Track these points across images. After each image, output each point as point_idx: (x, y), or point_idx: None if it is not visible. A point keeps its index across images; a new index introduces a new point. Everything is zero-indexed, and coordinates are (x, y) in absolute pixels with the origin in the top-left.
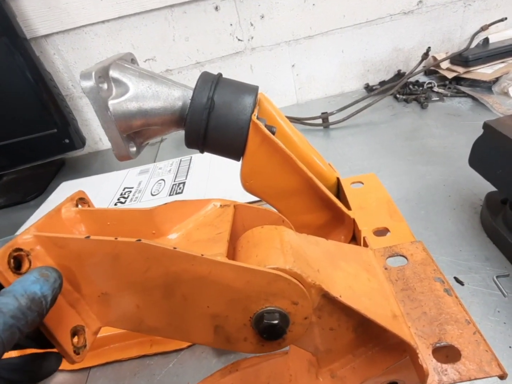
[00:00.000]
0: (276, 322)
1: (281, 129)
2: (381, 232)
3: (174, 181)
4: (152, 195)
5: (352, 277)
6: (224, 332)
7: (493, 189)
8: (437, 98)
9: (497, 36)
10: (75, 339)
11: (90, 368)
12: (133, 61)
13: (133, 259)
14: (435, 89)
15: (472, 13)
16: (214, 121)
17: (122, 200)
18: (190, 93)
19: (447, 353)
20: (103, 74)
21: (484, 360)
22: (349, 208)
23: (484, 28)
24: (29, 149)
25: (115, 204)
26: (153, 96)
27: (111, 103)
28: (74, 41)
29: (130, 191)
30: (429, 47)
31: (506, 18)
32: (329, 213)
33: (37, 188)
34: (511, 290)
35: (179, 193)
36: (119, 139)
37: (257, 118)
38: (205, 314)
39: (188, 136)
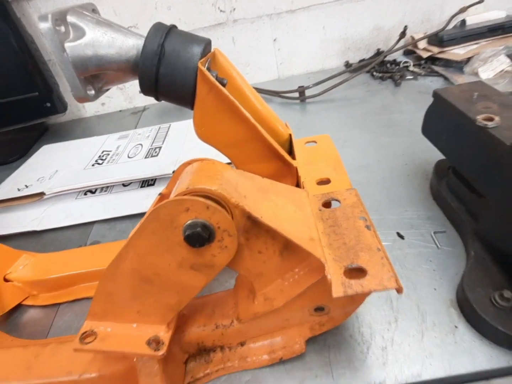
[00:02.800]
0: (198, 227)
1: (234, 83)
2: (324, 182)
3: (151, 146)
4: (129, 157)
5: (279, 207)
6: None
7: (443, 157)
8: (411, 77)
9: (474, 18)
10: None
11: (59, 304)
12: (94, 11)
13: None
14: (411, 68)
15: None
16: (164, 68)
17: (100, 161)
18: (142, 40)
19: (356, 274)
20: (60, 18)
21: (385, 277)
22: (294, 159)
23: (462, 10)
24: (10, 112)
25: (93, 165)
26: (108, 42)
27: (67, 45)
28: (57, 5)
29: (108, 154)
30: (406, 26)
31: (483, 1)
32: (277, 163)
33: (18, 151)
34: (445, 244)
35: (154, 156)
36: (76, 80)
37: (208, 69)
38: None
39: (142, 82)
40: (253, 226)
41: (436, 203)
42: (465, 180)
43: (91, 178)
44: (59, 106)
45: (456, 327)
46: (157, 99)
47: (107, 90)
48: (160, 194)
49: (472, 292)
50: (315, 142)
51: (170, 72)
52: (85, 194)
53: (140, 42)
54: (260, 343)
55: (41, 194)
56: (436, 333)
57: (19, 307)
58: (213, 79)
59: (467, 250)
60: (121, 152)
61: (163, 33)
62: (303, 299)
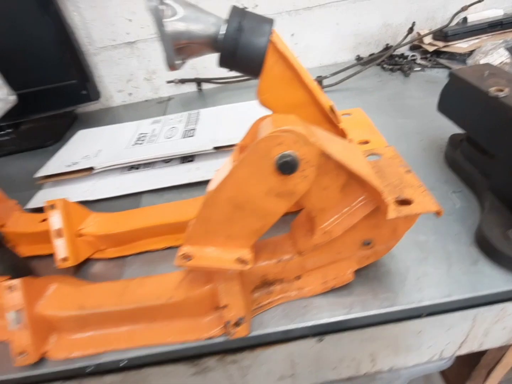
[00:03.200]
0: (289, 158)
1: (291, 56)
2: (364, 143)
3: (185, 128)
4: (166, 138)
5: (343, 149)
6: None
7: (456, 132)
8: (419, 69)
9: (475, 16)
10: None
11: (126, 256)
12: None
13: None
14: (418, 61)
15: None
16: (243, 41)
17: (139, 142)
18: (221, 20)
19: (404, 203)
20: None
21: (428, 204)
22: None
23: (464, 9)
24: (50, 98)
25: (133, 145)
26: (196, 19)
27: (166, 21)
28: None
29: (146, 136)
30: (414, 22)
31: (483, 0)
32: (327, 126)
33: (54, 136)
34: (462, 201)
35: (190, 136)
36: (171, 51)
37: None
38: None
39: (222, 55)
40: (324, 163)
41: (452, 170)
42: (478, 146)
43: (133, 155)
44: (94, 94)
45: (477, 260)
46: (231, 69)
47: (186, 61)
48: (237, 145)
49: (489, 231)
50: (349, 114)
51: (247, 45)
52: (129, 169)
53: (218, 21)
54: (314, 276)
55: (91, 169)
56: (460, 266)
57: (87, 261)
58: (282, 49)
59: (482, 204)
60: (157, 134)
61: (241, 13)
62: (355, 232)
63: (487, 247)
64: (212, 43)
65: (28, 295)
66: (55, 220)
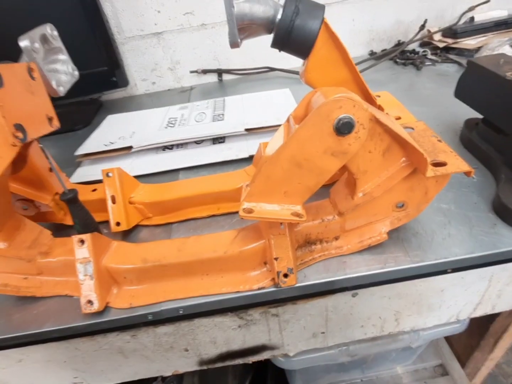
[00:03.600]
0: (346, 120)
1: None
2: (397, 118)
3: (214, 113)
4: (196, 121)
5: (386, 118)
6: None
7: (470, 117)
8: (430, 63)
9: (481, 15)
10: None
11: (171, 223)
12: None
13: None
14: (428, 56)
15: None
16: (298, 22)
17: (171, 125)
18: (278, 4)
19: (439, 165)
20: None
21: (460, 165)
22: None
23: (471, 9)
24: (81, 83)
25: (165, 128)
26: (258, 2)
27: (235, 2)
28: None
29: (176, 120)
30: (426, 19)
31: (489, 1)
32: (367, 101)
33: (83, 121)
34: (478, 176)
35: (220, 120)
36: (235, 29)
37: None
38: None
39: (277, 35)
40: (372, 128)
41: (468, 150)
42: (493, 127)
43: (167, 136)
44: (122, 81)
45: (495, 224)
46: (281, 49)
47: (245, 39)
48: (290, 115)
49: (506, 198)
50: (379, 96)
51: (302, 26)
52: (164, 150)
53: (275, 5)
54: (351, 236)
55: (129, 148)
56: (480, 228)
57: (135, 227)
58: (333, 30)
59: (497, 178)
60: (187, 118)
61: None
62: (391, 194)
63: (504, 212)
64: (269, 25)
65: (96, 249)
66: (111, 187)
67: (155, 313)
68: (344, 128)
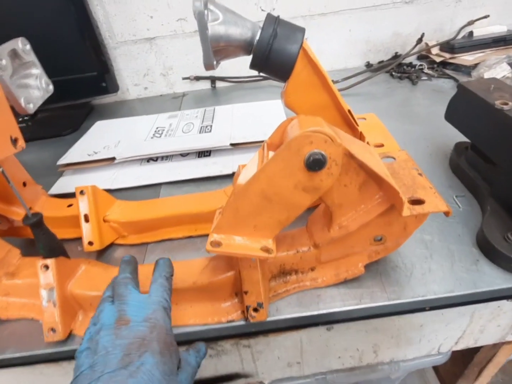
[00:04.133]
0: (317, 156)
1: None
2: (379, 146)
3: (202, 124)
4: (183, 132)
5: (364, 151)
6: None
7: (461, 140)
8: (426, 78)
9: (480, 30)
10: None
11: (147, 243)
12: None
13: None
14: (425, 70)
15: (462, 9)
16: (276, 46)
17: (157, 135)
18: (257, 26)
19: (416, 203)
20: (205, 3)
21: (439, 204)
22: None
23: (470, 23)
24: (70, 88)
25: (152, 138)
26: (235, 24)
27: (210, 25)
28: None
29: (163, 129)
30: (423, 33)
31: (489, 16)
32: (347, 128)
33: (71, 126)
34: (464, 205)
35: (207, 132)
36: (210, 52)
37: None
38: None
39: (255, 58)
40: (347, 163)
41: (456, 175)
42: (481, 154)
43: (152, 148)
44: (112, 86)
45: (477, 260)
46: (260, 71)
47: (220, 63)
48: (265, 143)
49: (490, 233)
50: (364, 118)
51: (280, 50)
52: (148, 161)
53: (254, 26)
54: (327, 268)
55: (112, 159)
56: (462, 264)
57: (110, 246)
58: (312, 55)
59: (483, 208)
60: (174, 128)
61: (276, 20)
62: (368, 228)
63: (487, 248)
64: (247, 47)
65: (61, 274)
66: (84, 205)
67: None
68: (314, 164)
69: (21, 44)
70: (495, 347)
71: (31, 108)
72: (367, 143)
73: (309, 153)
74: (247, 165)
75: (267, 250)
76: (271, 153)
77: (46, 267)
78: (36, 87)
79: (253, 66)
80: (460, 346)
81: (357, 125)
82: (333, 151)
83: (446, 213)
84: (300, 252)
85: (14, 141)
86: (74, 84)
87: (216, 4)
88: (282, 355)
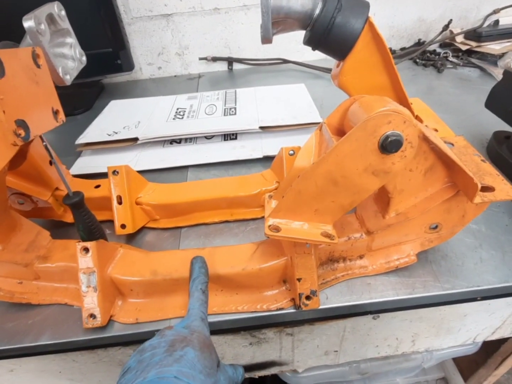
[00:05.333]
0: (395, 137)
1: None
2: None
3: (225, 106)
4: (207, 114)
5: (431, 134)
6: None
7: (498, 129)
8: (451, 66)
9: (506, 19)
10: None
11: (180, 227)
12: None
13: None
14: (450, 58)
15: None
16: (340, 19)
17: (179, 117)
18: (318, 0)
19: (486, 190)
20: None
21: (510, 192)
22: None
23: (496, 11)
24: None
25: (173, 119)
26: None
27: None
28: None
29: (184, 111)
30: (451, 19)
31: None
32: None
33: (83, 105)
34: None
35: (232, 114)
36: (269, 24)
37: None
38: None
39: (314, 32)
40: (418, 146)
41: (495, 165)
42: None
43: (176, 129)
44: (127, 64)
45: None
46: (315, 48)
47: (278, 34)
48: (322, 124)
49: None
50: (410, 103)
51: (344, 23)
52: (171, 143)
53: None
54: (377, 256)
55: (135, 139)
56: None
57: (141, 230)
58: (379, 30)
59: None
60: (196, 110)
61: None
62: (426, 215)
63: None
64: (306, 20)
65: (101, 258)
66: (118, 186)
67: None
68: (391, 146)
69: (57, 9)
70: None
71: (68, 79)
72: (426, 126)
73: (386, 134)
74: (303, 147)
75: (328, 235)
76: (330, 135)
77: (86, 250)
78: (71, 57)
79: (310, 41)
80: (495, 336)
81: (413, 109)
82: (411, 132)
83: None
84: (352, 239)
85: (55, 114)
86: (88, 60)
87: None
88: (322, 343)
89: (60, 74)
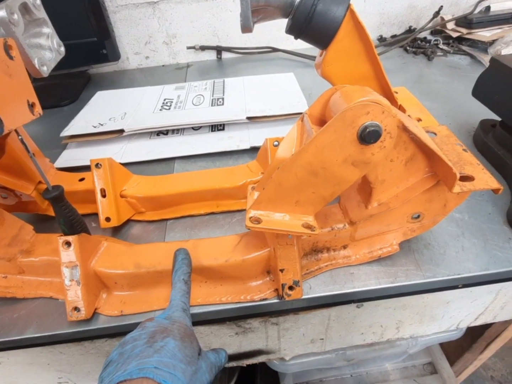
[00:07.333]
0: (373, 128)
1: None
2: (417, 120)
3: (213, 96)
4: (194, 105)
5: (412, 124)
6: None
7: (485, 117)
8: (441, 53)
9: (497, 5)
10: None
11: (166, 220)
12: None
13: None
14: (440, 45)
15: None
16: (321, 7)
17: (166, 107)
18: None
19: (465, 179)
20: None
21: (488, 181)
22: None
23: None
24: (69, 54)
25: (160, 110)
26: None
27: None
28: None
29: (171, 101)
30: (442, 6)
31: None
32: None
33: (69, 96)
34: None
35: (220, 105)
36: (249, 11)
37: None
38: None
39: (296, 20)
40: (397, 136)
41: (481, 153)
42: None
43: (162, 120)
44: (113, 54)
45: (510, 238)
46: (298, 37)
47: (258, 23)
48: (304, 115)
49: None
50: (396, 92)
51: (325, 11)
52: (158, 135)
53: None
54: (360, 246)
55: (121, 131)
56: (495, 242)
57: (127, 223)
58: (360, 18)
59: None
60: (183, 100)
61: None
62: (408, 205)
63: None
64: (287, 8)
65: (84, 252)
66: (101, 179)
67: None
68: (370, 136)
69: None
70: (506, 323)
71: (45, 70)
72: (409, 116)
73: (365, 125)
74: (285, 138)
75: (309, 227)
76: (312, 126)
77: (68, 244)
78: (48, 47)
79: (291, 30)
80: (478, 322)
81: (396, 98)
82: (389, 122)
83: (496, 190)
84: (335, 229)
85: (31, 106)
86: (72, 50)
87: None
88: (307, 332)
89: (36, 66)
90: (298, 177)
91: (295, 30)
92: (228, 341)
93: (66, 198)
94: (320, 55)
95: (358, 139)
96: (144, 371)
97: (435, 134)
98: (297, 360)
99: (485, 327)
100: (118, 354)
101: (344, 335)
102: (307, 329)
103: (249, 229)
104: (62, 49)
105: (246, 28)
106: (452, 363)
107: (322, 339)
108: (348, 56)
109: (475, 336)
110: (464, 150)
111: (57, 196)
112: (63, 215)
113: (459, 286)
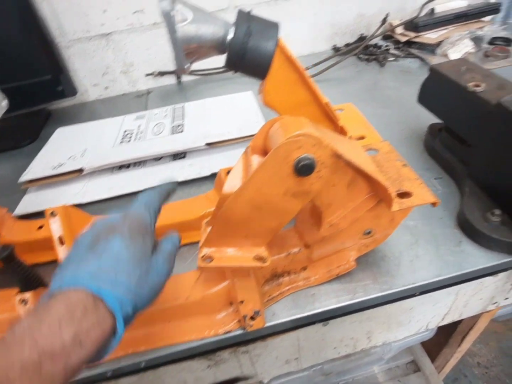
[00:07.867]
0: (307, 161)
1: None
2: (360, 138)
3: (173, 124)
4: (154, 134)
5: (349, 147)
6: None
7: (434, 121)
8: (393, 58)
9: (441, 6)
10: None
11: None
12: None
13: None
14: (391, 51)
15: None
16: (251, 44)
17: (126, 140)
18: (228, 24)
19: (404, 196)
20: (172, 2)
21: (426, 196)
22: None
23: None
24: (23, 95)
25: (121, 143)
26: (206, 22)
27: (178, 26)
28: None
29: (132, 133)
30: (388, 13)
31: None
32: (328, 123)
33: (29, 135)
34: (443, 187)
35: (180, 132)
36: (182, 55)
37: None
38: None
39: (230, 57)
40: (334, 163)
41: (432, 157)
42: (456, 135)
43: (123, 154)
44: (69, 89)
45: (460, 241)
46: (236, 71)
47: (194, 63)
48: (248, 147)
49: (470, 214)
50: (342, 109)
51: (256, 48)
52: (120, 168)
53: (226, 24)
54: (319, 266)
55: (80, 170)
56: (447, 247)
57: None
58: (289, 52)
59: (461, 189)
60: (144, 130)
61: (249, 17)
62: (357, 223)
63: (468, 229)
64: (220, 46)
65: None
66: (57, 228)
67: (114, 369)
68: (304, 169)
69: None
70: (476, 316)
71: None
72: (350, 137)
73: (298, 159)
74: (231, 171)
75: (260, 258)
76: (255, 158)
77: (25, 302)
78: None
79: (228, 66)
80: (446, 321)
81: (338, 119)
82: (322, 153)
83: (434, 204)
84: (292, 253)
85: None
86: (27, 90)
87: (184, 2)
88: (280, 354)
89: None
90: (243, 213)
91: (231, 65)
92: (202, 374)
93: (17, 257)
94: (261, 85)
95: (294, 172)
96: (76, 280)
97: (377, 151)
98: (276, 381)
99: (456, 323)
100: (65, 259)
101: (317, 351)
102: (278, 352)
103: (201, 268)
104: (5, 103)
105: (181, 70)
106: (433, 359)
107: (297, 358)
108: (285, 85)
109: (450, 331)
110: (404, 165)
111: (7, 256)
112: (17, 273)
113: (416, 294)
